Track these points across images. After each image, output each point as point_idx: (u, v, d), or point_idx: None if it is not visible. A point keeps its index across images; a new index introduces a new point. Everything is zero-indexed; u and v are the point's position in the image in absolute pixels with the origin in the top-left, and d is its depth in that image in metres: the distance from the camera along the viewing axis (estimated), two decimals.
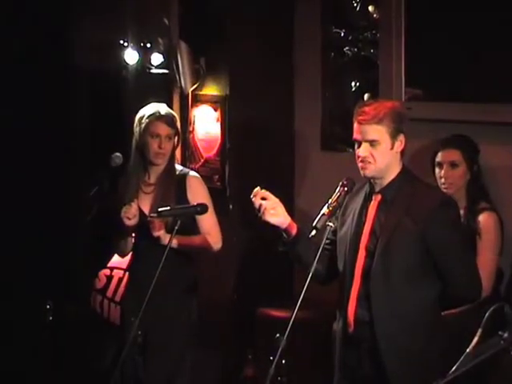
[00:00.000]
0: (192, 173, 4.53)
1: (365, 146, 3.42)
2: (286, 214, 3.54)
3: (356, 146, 3.47)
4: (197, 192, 4.43)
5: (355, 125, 3.45)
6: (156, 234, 4.27)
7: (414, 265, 3.41)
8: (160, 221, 4.27)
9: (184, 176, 4.44)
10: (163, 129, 4.40)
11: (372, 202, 3.49)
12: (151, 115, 4.40)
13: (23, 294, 5.64)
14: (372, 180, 3.50)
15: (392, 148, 3.43)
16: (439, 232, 3.40)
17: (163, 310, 4.32)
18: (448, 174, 4.34)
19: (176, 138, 4.48)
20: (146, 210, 4.43)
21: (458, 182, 4.33)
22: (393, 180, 3.47)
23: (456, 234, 3.48)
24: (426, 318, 3.44)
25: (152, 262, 4.15)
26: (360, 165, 3.45)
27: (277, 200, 3.53)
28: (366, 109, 3.42)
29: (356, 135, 3.45)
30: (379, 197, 3.48)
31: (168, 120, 4.42)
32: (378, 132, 3.40)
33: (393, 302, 3.40)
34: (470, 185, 4.34)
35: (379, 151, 3.41)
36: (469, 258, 3.54)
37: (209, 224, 4.43)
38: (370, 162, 3.42)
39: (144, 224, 4.36)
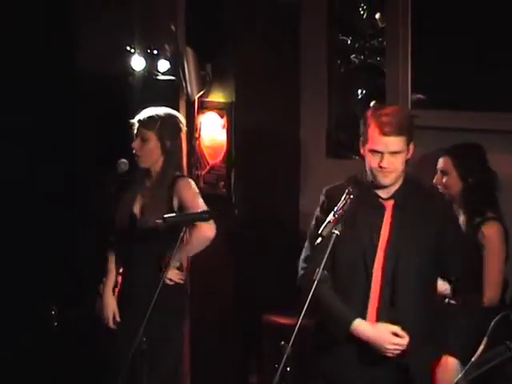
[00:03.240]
0: (183, 177, 4.50)
1: (387, 156, 3.42)
2: None
3: (372, 154, 3.45)
4: (182, 193, 4.40)
5: (377, 135, 3.41)
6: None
7: (430, 265, 3.50)
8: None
9: (175, 180, 4.45)
10: (139, 131, 4.47)
11: (386, 209, 3.51)
12: (136, 119, 4.50)
13: (28, 299, 5.65)
14: (379, 186, 3.51)
15: (407, 155, 3.49)
16: (450, 230, 3.55)
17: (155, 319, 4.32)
18: (438, 181, 4.36)
19: (163, 141, 4.44)
20: (139, 214, 4.49)
21: (450, 191, 4.31)
22: (402, 185, 3.52)
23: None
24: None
25: (144, 266, 4.35)
26: (379, 174, 3.45)
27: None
28: (389, 119, 3.41)
29: (378, 146, 3.42)
30: (391, 203, 3.52)
31: (144, 122, 4.46)
32: (401, 142, 3.44)
33: (418, 304, 3.48)
34: (467, 194, 4.30)
35: (399, 160, 3.45)
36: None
37: None
38: (391, 172, 3.45)
39: (136, 229, 4.43)
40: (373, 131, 3.43)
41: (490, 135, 4.58)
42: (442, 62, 4.86)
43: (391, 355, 3.43)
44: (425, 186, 3.64)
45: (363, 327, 3.45)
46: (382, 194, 3.51)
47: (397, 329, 3.42)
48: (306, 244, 3.64)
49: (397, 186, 3.51)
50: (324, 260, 3.31)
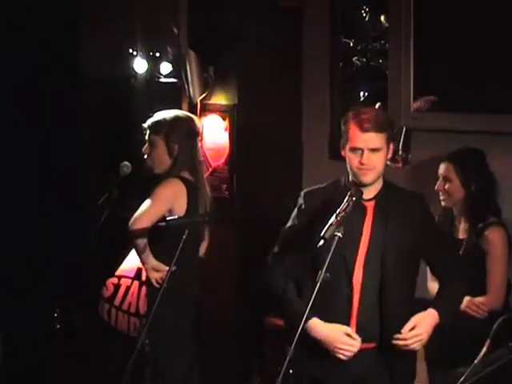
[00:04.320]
0: (170, 177, 4.45)
1: (367, 153, 3.46)
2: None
3: (352, 153, 3.49)
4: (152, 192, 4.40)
5: (356, 132, 3.47)
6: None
7: (410, 264, 3.56)
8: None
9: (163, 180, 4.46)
10: (149, 136, 4.48)
11: (367, 210, 3.53)
12: (146, 124, 4.51)
13: (31, 301, 5.65)
14: (360, 186, 3.52)
15: (387, 155, 3.53)
16: (431, 230, 3.64)
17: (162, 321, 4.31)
18: (440, 187, 4.34)
19: (171, 145, 4.43)
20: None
21: (453, 197, 4.30)
22: (382, 187, 3.56)
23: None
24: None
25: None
26: (359, 172, 3.49)
27: None
28: (368, 116, 3.47)
29: (358, 143, 3.47)
30: (373, 204, 3.54)
31: (152, 127, 4.48)
32: (380, 139, 3.48)
33: (400, 302, 3.52)
34: (469, 201, 4.27)
35: (380, 158, 3.49)
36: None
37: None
38: (371, 170, 3.48)
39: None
40: (353, 130, 3.49)
41: (492, 137, 4.58)
42: (445, 64, 4.86)
43: (342, 356, 3.45)
44: (402, 189, 3.69)
45: (317, 327, 3.48)
46: (364, 195, 3.52)
47: (350, 330, 3.45)
48: (278, 243, 3.72)
49: (378, 188, 3.55)
50: (327, 262, 3.31)
